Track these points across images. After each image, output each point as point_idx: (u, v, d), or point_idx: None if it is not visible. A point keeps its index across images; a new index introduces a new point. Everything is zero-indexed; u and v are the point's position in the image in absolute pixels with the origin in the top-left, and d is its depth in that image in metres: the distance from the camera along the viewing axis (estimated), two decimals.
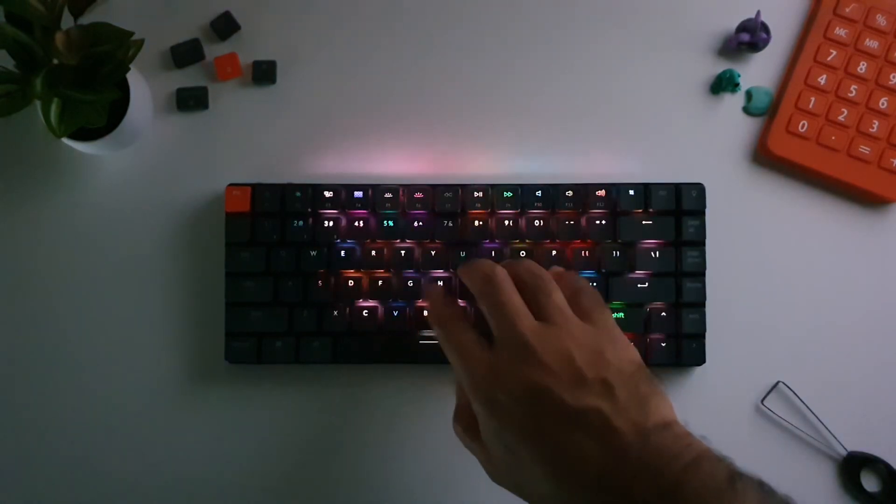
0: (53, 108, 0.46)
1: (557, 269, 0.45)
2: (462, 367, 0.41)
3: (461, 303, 0.49)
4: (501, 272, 0.42)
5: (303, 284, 0.52)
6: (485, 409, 0.39)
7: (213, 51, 0.55)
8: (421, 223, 0.52)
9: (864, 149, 0.53)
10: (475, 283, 0.42)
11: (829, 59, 0.53)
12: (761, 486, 0.36)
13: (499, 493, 0.41)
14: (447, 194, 0.52)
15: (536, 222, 0.52)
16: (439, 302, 0.44)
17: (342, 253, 0.52)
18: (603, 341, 0.40)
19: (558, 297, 0.41)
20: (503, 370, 0.39)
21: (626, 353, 0.40)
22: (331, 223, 0.52)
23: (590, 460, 0.37)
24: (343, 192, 0.52)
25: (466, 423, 0.42)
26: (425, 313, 0.47)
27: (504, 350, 0.40)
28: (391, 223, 0.52)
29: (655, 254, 0.52)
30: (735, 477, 0.35)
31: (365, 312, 0.52)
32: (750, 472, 0.36)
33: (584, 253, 0.52)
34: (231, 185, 0.52)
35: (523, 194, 0.52)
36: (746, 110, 0.55)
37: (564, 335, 0.39)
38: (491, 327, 0.41)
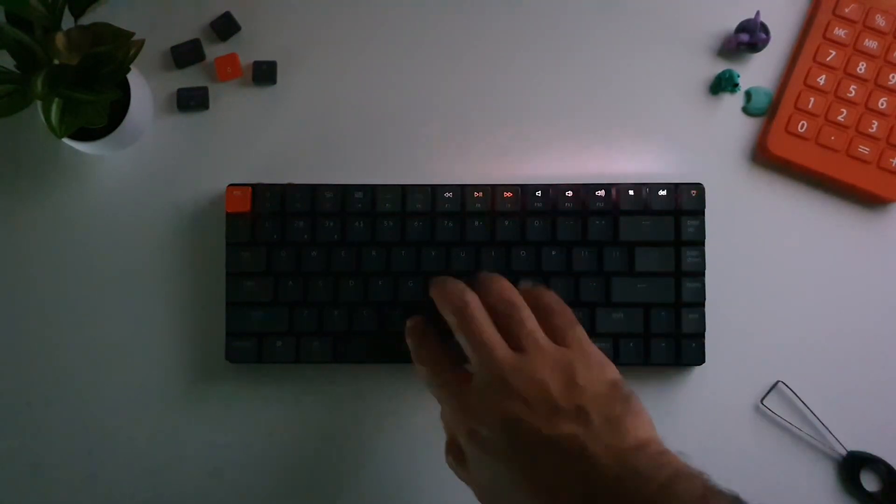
0: (54, 109, 0.46)
1: (526, 285, 0.46)
2: (445, 404, 0.43)
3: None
4: (473, 301, 0.43)
5: (303, 284, 0.52)
6: (469, 442, 0.41)
7: (213, 51, 0.55)
8: (421, 223, 0.52)
9: (864, 149, 0.53)
10: (448, 314, 0.44)
11: (828, 59, 0.53)
12: (736, 502, 0.36)
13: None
14: (447, 194, 0.52)
15: (536, 222, 0.52)
16: (418, 342, 0.46)
17: (342, 253, 0.52)
18: (576, 364, 0.41)
19: (531, 323, 0.42)
20: (482, 404, 0.41)
21: (600, 373, 0.41)
22: (331, 223, 0.52)
23: (570, 487, 0.37)
24: (343, 192, 0.52)
25: (456, 455, 0.44)
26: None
27: (481, 384, 0.41)
28: (391, 223, 0.52)
29: (655, 254, 0.52)
30: (709, 494, 0.36)
31: (365, 312, 0.52)
32: (726, 489, 0.36)
33: (584, 253, 0.52)
34: (231, 185, 0.53)
35: (523, 194, 0.52)
36: (746, 110, 0.55)
37: (538, 364, 0.40)
38: (468, 357, 0.43)
